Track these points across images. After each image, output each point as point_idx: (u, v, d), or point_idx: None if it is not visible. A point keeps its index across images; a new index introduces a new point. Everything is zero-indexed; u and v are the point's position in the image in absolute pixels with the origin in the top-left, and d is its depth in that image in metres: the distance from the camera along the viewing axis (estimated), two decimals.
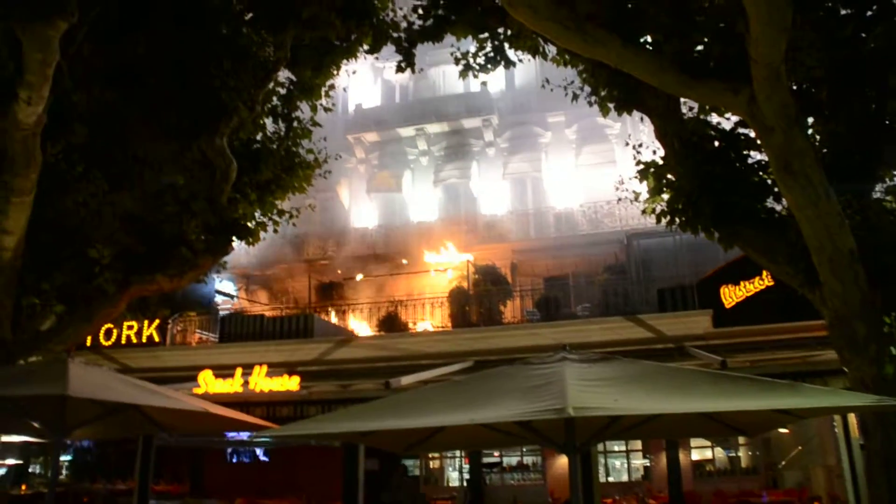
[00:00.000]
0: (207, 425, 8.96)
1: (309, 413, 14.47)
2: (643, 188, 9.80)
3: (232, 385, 13.86)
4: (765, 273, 13.21)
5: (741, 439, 18.95)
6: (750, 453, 20.06)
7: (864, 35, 8.65)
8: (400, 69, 12.91)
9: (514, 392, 5.05)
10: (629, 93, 9.69)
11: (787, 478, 18.27)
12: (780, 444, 18.88)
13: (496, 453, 20.55)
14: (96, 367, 9.23)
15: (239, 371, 14.01)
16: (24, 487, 19.97)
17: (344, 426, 5.90)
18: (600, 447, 19.07)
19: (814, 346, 11.65)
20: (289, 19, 11.49)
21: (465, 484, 19.70)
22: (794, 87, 8.71)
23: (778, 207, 8.82)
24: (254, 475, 20.72)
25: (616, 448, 20.67)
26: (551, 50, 11.12)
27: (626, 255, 22.37)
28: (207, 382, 13.86)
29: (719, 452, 20.18)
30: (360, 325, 21.25)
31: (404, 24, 12.76)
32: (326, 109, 13.66)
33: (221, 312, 21.95)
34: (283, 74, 13.13)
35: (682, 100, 9.41)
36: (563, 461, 18.77)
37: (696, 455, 19.90)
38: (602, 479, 19.17)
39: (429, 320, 20.43)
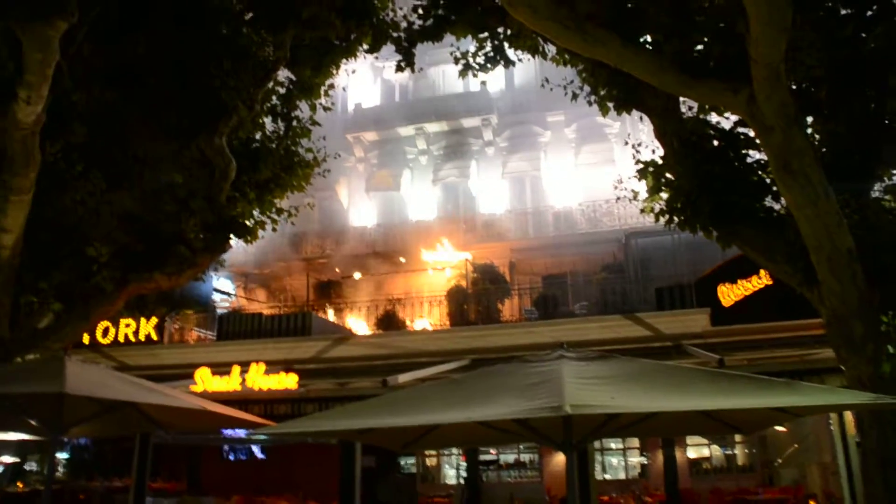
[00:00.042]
0: (205, 423, 8.97)
1: (306, 411, 14.47)
2: (642, 187, 9.80)
3: (229, 383, 13.85)
4: (763, 272, 13.24)
5: (738, 437, 19.00)
6: (746, 451, 20.09)
7: (864, 35, 8.66)
8: (399, 69, 12.90)
9: (512, 390, 5.06)
10: (629, 92, 9.69)
11: (784, 475, 18.31)
12: (777, 441, 18.91)
13: (493, 451, 20.56)
14: (94, 364, 9.24)
15: (236, 369, 14.00)
16: (20, 485, 19.96)
17: (341, 424, 5.91)
18: (597, 445, 19.08)
19: (811, 344, 11.67)
20: (289, 19, 11.48)
21: (462, 481, 19.71)
22: (794, 87, 8.72)
23: (777, 207, 8.83)
24: (251, 473, 20.71)
25: (613, 446, 20.70)
26: (551, 49, 11.13)
27: (624, 253, 22.41)
28: (205, 380, 13.86)
29: (716, 450, 20.22)
30: (358, 324, 21.27)
31: (404, 24, 12.75)
32: (326, 109, 13.66)
33: (219, 310, 21.97)
34: (283, 74, 13.13)
35: (681, 99, 9.42)
36: (560, 459, 18.80)
37: (692, 453, 19.94)
38: (599, 476, 19.20)
39: (427, 318, 20.45)
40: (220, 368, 14.18)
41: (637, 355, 7.12)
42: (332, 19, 11.54)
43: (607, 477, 20.42)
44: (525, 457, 20.93)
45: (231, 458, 21.66)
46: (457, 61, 12.23)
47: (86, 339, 16.84)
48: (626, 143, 11.38)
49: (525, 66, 16.39)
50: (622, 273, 20.99)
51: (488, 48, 11.94)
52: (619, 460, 20.98)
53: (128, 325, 17.32)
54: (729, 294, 14.04)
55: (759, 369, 11.10)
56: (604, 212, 23.57)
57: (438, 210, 26.50)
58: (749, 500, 15.80)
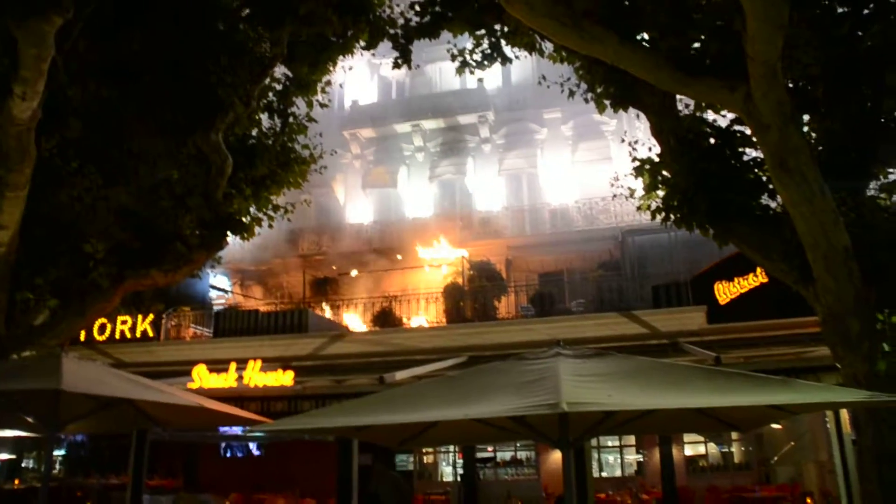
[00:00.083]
0: (201, 420, 8.96)
1: (303, 408, 14.47)
2: (638, 185, 9.81)
3: (226, 380, 13.85)
4: (759, 270, 13.26)
5: (734, 435, 19.00)
6: (743, 449, 20.12)
7: (860, 33, 8.67)
8: (396, 65, 12.90)
9: (508, 387, 5.06)
10: (625, 90, 9.70)
11: (780, 473, 18.35)
12: (773, 439, 18.95)
13: (490, 448, 20.57)
14: (90, 361, 9.20)
15: (233, 366, 14.00)
16: (17, 482, 19.93)
17: (338, 421, 5.90)
18: (594, 442, 19.09)
19: (807, 342, 11.70)
20: (285, 15, 11.46)
21: (458, 479, 19.71)
22: (790, 85, 8.73)
23: (773, 204, 8.85)
24: (248, 470, 20.69)
25: (610, 443, 20.70)
26: (548, 47, 11.12)
27: (620, 251, 22.41)
28: (201, 377, 13.85)
29: (712, 448, 20.22)
30: (355, 321, 21.25)
31: (401, 21, 12.74)
32: (322, 105, 13.64)
33: (216, 307, 21.94)
34: (280, 70, 13.12)
35: (678, 97, 9.42)
36: (556, 456, 18.81)
37: (689, 450, 19.96)
38: (595, 474, 19.20)
39: (423, 316, 20.44)
40: (217, 365, 14.18)
41: (633, 353, 7.12)
42: (329, 16, 11.52)
43: (604, 474, 20.42)
44: (522, 454, 20.93)
45: (228, 455, 21.64)
46: (454, 58, 12.23)
47: (82, 335, 16.83)
48: (623, 141, 11.38)
49: (522, 64, 16.41)
50: (619, 270, 21.00)
51: (485, 45, 11.95)
52: (615, 458, 20.99)
53: (124, 322, 17.31)
54: (725, 292, 14.06)
55: (755, 367, 11.12)
56: (600, 209, 23.56)
57: (435, 207, 26.49)
58: (745, 498, 15.82)
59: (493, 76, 25.64)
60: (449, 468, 21.30)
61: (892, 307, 7.01)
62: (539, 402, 4.50)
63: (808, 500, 15.27)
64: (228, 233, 11.91)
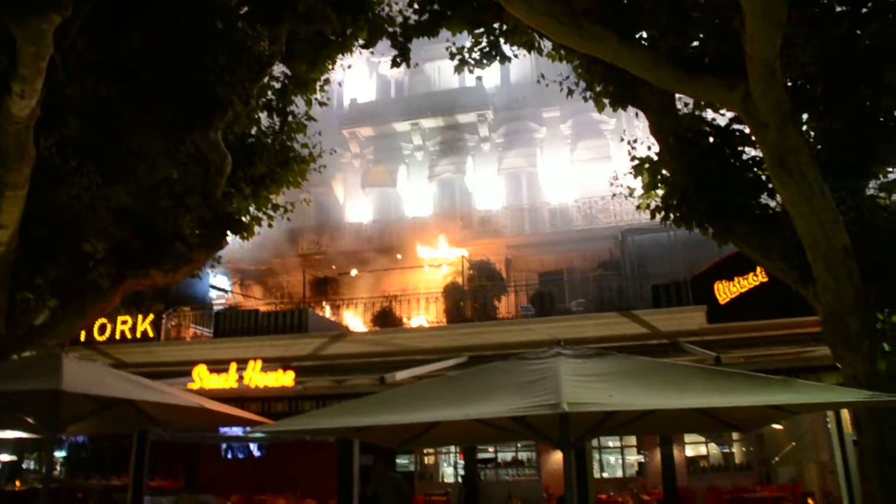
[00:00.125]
0: (202, 421, 8.94)
1: (304, 408, 14.45)
2: (638, 184, 9.80)
3: (226, 380, 13.84)
4: (759, 269, 13.26)
5: (735, 435, 19.00)
6: (744, 449, 20.11)
7: (859, 32, 8.67)
8: (395, 64, 12.88)
9: (509, 387, 5.05)
10: (624, 88, 9.69)
11: (781, 473, 18.34)
12: (774, 440, 18.94)
13: (491, 449, 20.56)
14: (90, 362, 9.19)
15: (233, 366, 13.99)
16: (18, 483, 19.91)
17: (339, 421, 5.89)
18: (595, 443, 19.08)
19: (807, 342, 11.69)
20: (284, 13, 11.44)
21: (459, 480, 19.71)
22: (789, 84, 8.73)
23: (772, 204, 8.84)
24: (249, 471, 20.70)
25: (611, 444, 20.70)
26: (547, 45, 11.12)
27: (620, 250, 22.39)
28: (202, 378, 13.84)
29: (713, 448, 20.22)
30: (355, 321, 21.25)
31: (400, 19, 12.73)
32: (321, 104, 13.62)
33: (216, 307, 21.93)
34: (278, 69, 13.11)
35: (677, 96, 9.41)
36: (557, 457, 18.81)
37: (690, 451, 19.95)
38: (597, 474, 19.20)
39: (423, 315, 20.43)
40: (217, 366, 14.17)
41: (634, 353, 7.12)
42: (328, 13, 11.51)
43: (605, 475, 20.42)
44: (523, 455, 20.93)
45: (229, 456, 21.65)
46: (452, 57, 12.22)
47: (82, 336, 16.82)
48: (622, 140, 11.37)
49: (521, 62, 16.40)
50: (618, 270, 20.99)
51: (484, 44, 11.94)
52: (616, 458, 20.98)
53: (124, 322, 17.30)
54: (725, 291, 14.06)
55: (755, 367, 11.11)
56: (600, 208, 23.56)
57: (434, 206, 26.48)
58: (747, 499, 15.81)
59: (492, 75, 25.61)
60: (450, 469, 21.30)
61: (892, 306, 7.00)
62: (540, 403, 4.49)
63: (810, 501, 15.27)
64: (228, 232, 11.89)
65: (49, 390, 6.67)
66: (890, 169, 9.14)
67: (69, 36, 9.56)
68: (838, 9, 8.73)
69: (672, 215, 9.01)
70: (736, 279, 13.91)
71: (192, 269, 12.03)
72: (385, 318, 19.34)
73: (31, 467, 22.97)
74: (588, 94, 10.62)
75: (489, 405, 4.95)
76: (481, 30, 11.75)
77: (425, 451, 21.15)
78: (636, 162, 9.69)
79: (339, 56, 13.26)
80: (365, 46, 13.13)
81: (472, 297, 19.15)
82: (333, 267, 25.17)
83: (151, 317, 17.44)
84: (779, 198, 8.13)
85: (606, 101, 10.24)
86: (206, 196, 11.39)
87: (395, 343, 15.87)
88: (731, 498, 15.96)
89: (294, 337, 16.54)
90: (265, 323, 17.51)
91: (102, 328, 17.26)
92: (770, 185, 8.50)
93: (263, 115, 13.37)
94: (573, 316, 16.73)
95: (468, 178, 26.44)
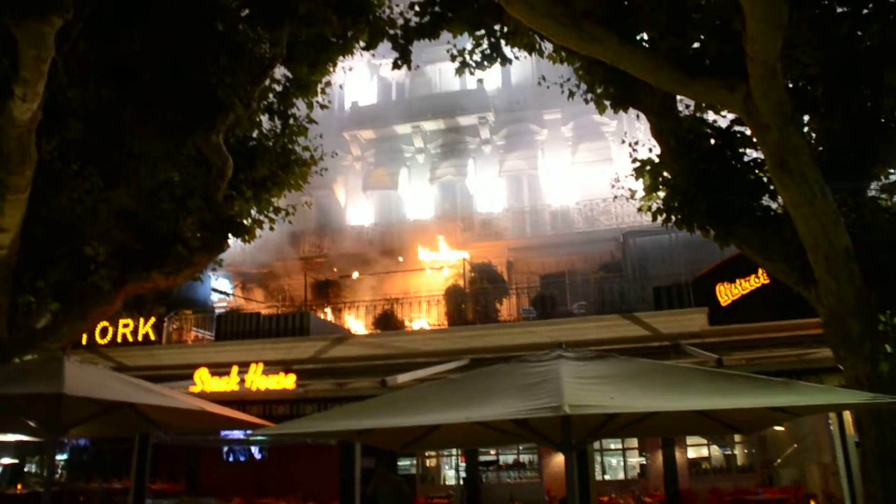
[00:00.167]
0: (204, 424, 8.95)
1: (305, 411, 14.45)
2: (639, 186, 9.80)
3: (228, 383, 13.83)
4: (760, 271, 13.24)
5: (737, 437, 19.00)
6: (746, 451, 20.10)
7: (859, 33, 8.66)
8: (396, 66, 12.88)
9: (511, 390, 5.05)
10: (625, 90, 9.69)
11: (783, 475, 18.31)
12: (776, 441, 18.92)
13: (492, 451, 20.55)
14: (92, 365, 9.19)
15: (235, 369, 13.98)
16: (19, 487, 19.92)
17: (340, 424, 5.89)
18: (596, 445, 19.06)
19: (809, 343, 11.68)
20: (285, 16, 11.46)
21: (461, 482, 19.71)
22: (790, 85, 8.72)
23: (773, 205, 8.83)
24: (250, 474, 20.70)
25: (612, 446, 20.69)
26: (548, 47, 11.11)
27: (622, 252, 22.38)
28: (203, 381, 13.83)
29: (715, 450, 20.21)
30: (357, 323, 21.24)
31: (401, 21, 12.73)
32: (322, 106, 13.63)
33: (217, 310, 21.92)
34: (280, 71, 13.12)
35: (678, 97, 9.41)
36: (559, 459, 18.80)
37: (692, 453, 19.94)
38: (598, 477, 19.18)
39: (425, 318, 20.42)
40: (219, 369, 14.16)
41: (635, 355, 7.12)
42: (329, 16, 11.53)
43: (607, 477, 20.41)
44: (524, 457, 20.93)
45: (230, 459, 21.65)
46: (453, 59, 12.22)
47: (84, 339, 16.82)
48: (623, 142, 11.38)
49: (522, 64, 16.39)
50: (620, 272, 20.96)
51: (485, 46, 11.94)
52: (618, 461, 20.98)
53: (126, 326, 17.29)
54: (727, 293, 14.03)
55: (757, 369, 11.11)
56: (601, 210, 23.54)
57: (436, 209, 26.48)
58: (749, 501, 15.80)
59: (492, 77, 25.63)
60: (451, 471, 21.29)
61: (894, 308, 6.99)
62: (541, 405, 4.49)
63: (812, 503, 15.23)
64: (230, 235, 11.89)
65: (51, 394, 6.67)
66: (891, 170, 9.13)
67: (71, 39, 9.58)
68: (839, 10, 8.73)
69: (673, 217, 9.00)
70: (737, 281, 13.89)
71: (194, 272, 12.03)
72: (386, 321, 19.34)
73: (33, 470, 22.98)
74: (589, 96, 10.62)
75: (491, 408, 4.95)
76: (482, 32, 11.75)
77: (427, 453, 21.14)
78: (637, 164, 9.69)
79: (340, 58, 13.28)
80: (366, 49, 13.15)
81: (473, 299, 19.15)
82: (335, 270, 25.17)
83: (153, 320, 17.43)
84: (780, 199, 8.13)
85: (607, 103, 10.23)
86: (207, 199, 11.39)
87: (397, 346, 15.86)
88: (732, 500, 15.95)
89: (295, 340, 16.53)
90: (267, 326, 17.50)
91: (104, 331, 17.26)
92: (771, 187, 8.50)
93: (265, 118, 13.39)
94: (574, 318, 16.71)
95: (469, 181, 26.43)
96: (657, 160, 9.47)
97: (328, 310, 22.19)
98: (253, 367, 13.99)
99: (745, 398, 5.07)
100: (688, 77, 7.49)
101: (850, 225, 7.38)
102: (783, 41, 6.64)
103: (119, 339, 17.34)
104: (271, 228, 13.11)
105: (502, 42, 11.74)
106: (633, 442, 20.23)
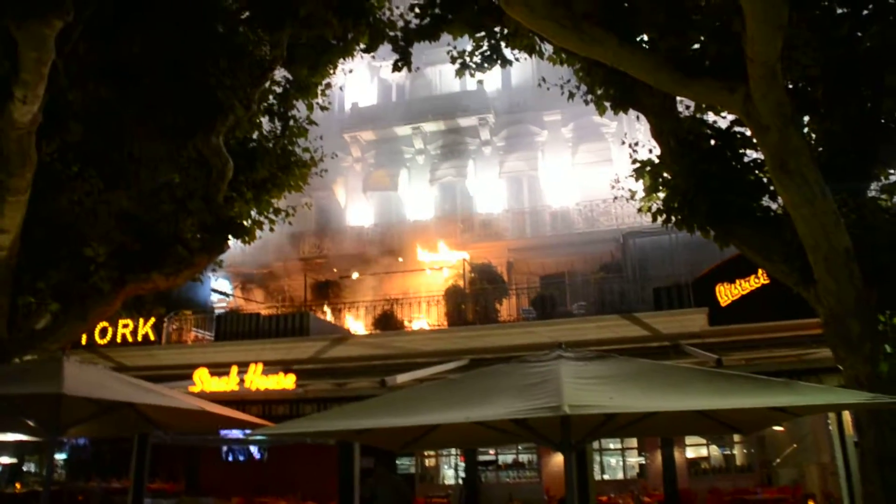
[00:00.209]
0: (203, 423, 8.96)
1: (305, 411, 14.45)
2: (639, 187, 9.80)
3: (227, 383, 13.84)
4: (760, 271, 13.24)
5: (736, 437, 19.00)
6: (745, 451, 20.10)
7: (859, 34, 8.67)
8: (396, 68, 12.89)
9: (510, 390, 5.05)
10: (625, 91, 9.69)
11: (782, 475, 18.32)
12: (775, 441, 18.92)
13: (492, 451, 20.57)
14: (91, 365, 9.19)
15: (234, 369, 13.99)
16: (18, 486, 19.92)
17: (339, 424, 5.90)
18: (596, 445, 19.08)
19: (809, 344, 11.68)
20: (285, 18, 11.47)
21: (460, 482, 19.71)
22: (790, 86, 8.73)
23: (773, 206, 8.84)
24: (249, 473, 20.69)
25: (612, 446, 20.70)
26: (548, 49, 11.12)
27: (622, 253, 22.39)
28: (203, 381, 13.84)
29: (714, 450, 20.22)
30: (356, 324, 21.25)
31: (401, 23, 12.75)
32: (323, 108, 13.64)
33: (217, 311, 21.94)
34: (280, 73, 13.13)
35: (678, 98, 9.42)
36: (558, 459, 18.80)
37: (691, 453, 19.94)
38: (597, 476, 19.19)
39: (425, 318, 20.43)
40: (218, 369, 14.17)
41: (635, 355, 7.12)
42: (329, 18, 11.53)
43: (606, 477, 20.41)
44: (524, 457, 20.93)
45: (230, 458, 21.64)
46: (453, 60, 12.23)
47: (83, 339, 16.82)
48: (623, 143, 11.38)
49: (522, 66, 16.37)
50: (620, 273, 20.98)
51: (485, 47, 11.95)
52: (617, 460, 20.98)
53: (125, 326, 17.30)
54: (727, 294, 14.04)
55: (756, 369, 11.11)
56: (601, 211, 23.55)
57: (436, 210, 26.49)
58: (748, 500, 15.81)
59: (492, 78, 25.61)
60: (451, 471, 21.30)
61: (894, 308, 7.00)
62: (541, 405, 4.50)
63: (811, 503, 15.24)
64: (230, 236, 11.91)
65: (50, 394, 6.68)
66: (891, 171, 9.14)
67: (71, 41, 9.58)
68: (839, 11, 8.74)
69: (673, 218, 9.01)
70: (737, 281, 13.90)
71: (194, 272, 12.04)
72: (386, 322, 19.35)
73: (32, 470, 22.98)
74: (589, 97, 10.62)
75: (490, 408, 4.96)
76: (482, 33, 11.76)
77: (426, 453, 21.15)
78: (637, 165, 9.69)
79: (341, 60, 13.29)
80: (366, 51, 13.16)
81: (473, 300, 19.17)
82: (335, 270, 25.19)
83: (153, 320, 17.44)
84: (780, 200, 8.13)
85: (607, 104, 10.24)
86: (207, 200, 11.40)
87: (397, 346, 15.87)
88: (732, 500, 15.96)
89: (295, 340, 16.54)
90: (266, 326, 17.51)
91: (104, 332, 17.26)
92: (771, 188, 8.50)
93: (265, 120, 13.40)
94: (574, 319, 16.73)
95: (469, 182, 26.45)
96: (657, 161, 9.47)
97: (328, 310, 22.21)
98: (252, 367, 13.99)
99: (745, 398, 5.08)
100: (688, 78, 7.50)
101: (850, 225, 7.38)
102: (783, 42, 6.64)
103: (119, 340, 17.35)
104: (271, 229, 13.12)
105: (502, 44, 11.75)
106: (633, 442, 20.24)
